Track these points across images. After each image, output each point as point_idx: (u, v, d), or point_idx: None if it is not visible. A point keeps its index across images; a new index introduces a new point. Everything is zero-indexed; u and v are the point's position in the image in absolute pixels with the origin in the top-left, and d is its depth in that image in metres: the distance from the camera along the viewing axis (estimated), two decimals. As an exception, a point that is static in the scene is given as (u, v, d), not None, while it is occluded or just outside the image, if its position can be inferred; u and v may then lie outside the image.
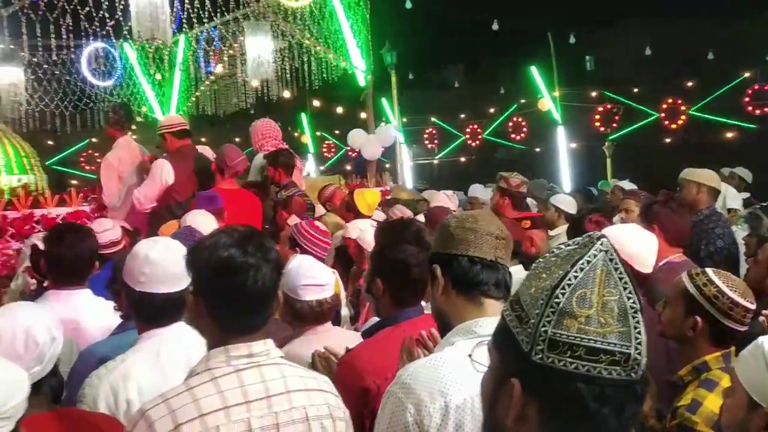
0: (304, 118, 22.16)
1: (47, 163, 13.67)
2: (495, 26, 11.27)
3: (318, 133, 24.02)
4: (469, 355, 1.41)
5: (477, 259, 1.64)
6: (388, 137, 8.04)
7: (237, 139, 16.09)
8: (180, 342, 2.13)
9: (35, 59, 9.81)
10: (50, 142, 19.43)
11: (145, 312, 2.16)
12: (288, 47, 9.16)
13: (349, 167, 23.19)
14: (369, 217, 4.89)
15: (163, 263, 2.10)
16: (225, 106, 11.68)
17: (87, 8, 6.27)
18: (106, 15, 6.34)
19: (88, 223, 4.64)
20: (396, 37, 8.52)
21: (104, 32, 6.58)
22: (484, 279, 1.65)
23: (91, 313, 2.96)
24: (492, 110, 20.66)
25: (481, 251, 1.64)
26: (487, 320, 1.59)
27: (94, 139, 20.37)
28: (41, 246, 3.20)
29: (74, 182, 17.12)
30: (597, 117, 16.24)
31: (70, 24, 6.30)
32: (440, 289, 1.69)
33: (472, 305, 1.65)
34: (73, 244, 2.94)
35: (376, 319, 2.43)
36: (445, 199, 6.28)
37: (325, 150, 24.59)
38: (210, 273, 1.58)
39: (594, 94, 17.32)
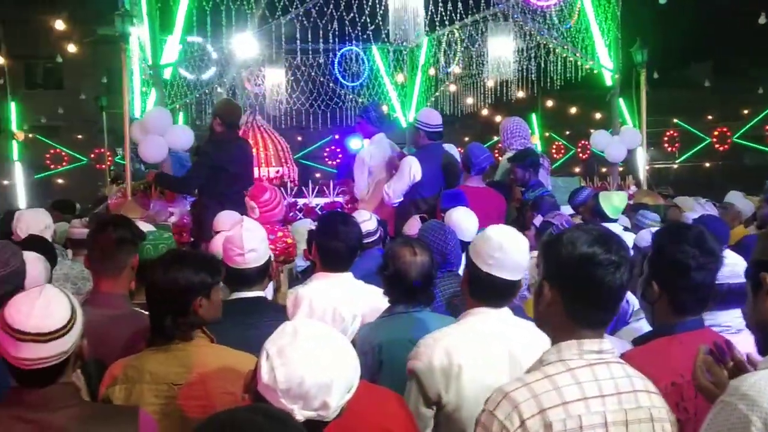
0: (534, 118, 21.91)
1: (295, 157, 15.00)
2: (762, 19, 10.20)
3: (546, 134, 23.59)
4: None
5: None
6: (633, 139, 7.64)
7: (465, 138, 16.45)
8: (503, 324, 2.31)
9: (295, 62, 10.76)
10: (299, 138, 21.24)
11: (483, 291, 2.32)
12: (529, 47, 9.10)
13: (578, 169, 22.51)
14: (615, 220, 4.71)
15: (512, 251, 2.27)
16: (461, 106, 11.89)
17: (351, 14, 6.79)
18: (368, 20, 6.81)
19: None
20: (646, 34, 8.04)
21: (365, 36, 7.06)
22: None
23: (355, 296, 3.21)
24: (746, 111, 18.77)
25: None
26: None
27: (336, 136, 21.95)
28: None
29: (318, 175, 18.62)
30: None
31: (336, 29, 6.86)
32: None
33: None
34: (342, 234, 3.20)
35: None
36: (697, 207, 5.85)
37: (553, 151, 24.12)
38: (574, 266, 1.64)
39: None
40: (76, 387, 1.90)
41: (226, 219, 4.43)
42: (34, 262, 2.75)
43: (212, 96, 10.73)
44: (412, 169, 5.40)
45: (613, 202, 4.87)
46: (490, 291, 2.31)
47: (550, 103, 19.82)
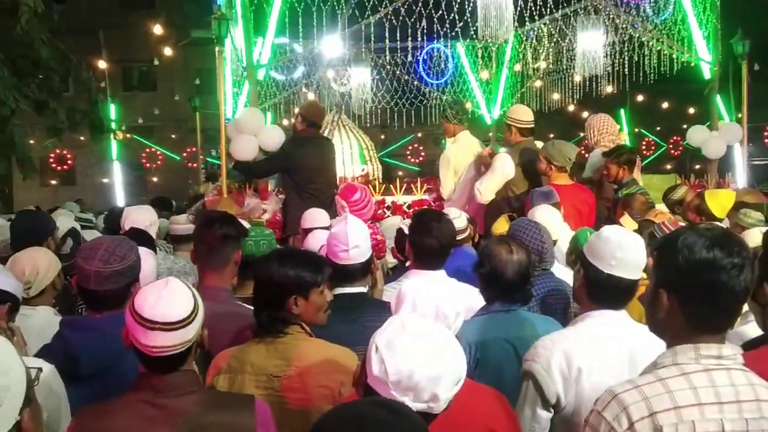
0: (623, 114, 21.25)
1: (378, 155, 15.13)
2: None
3: (636, 130, 22.88)
4: None
5: None
6: (734, 135, 7.28)
7: (551, 135, 16.12)
8: (622, 326, 2.26)
9: (380, 60, 10.83)
10: (381, 137, 21.41)
11: (604, 293, 2.27)
12: (621, 41, 8.83)
13: (669, 166, 21.68)
14: (721, 220, 4.51)
15: (631, 250, 2.23)
16: (547, 102, 11.67)
17: (440, 11, 6.78)
18: (456, 17, 6.79)
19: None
20: (747, 24, 7.64)
21: (452, 33, 7.04)
22: None
23: (450, 293, 3.21)
24: None
25: None
26: None
27: (419, 134, 22.03)
28: (406, 231, 3.54)
29: (400, 173, 18.72)
30: None
31: (424, 27, 6.86)
32: None
33: None
34: (436, 231, 3.20)
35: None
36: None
37: (643, 147, 23.34)
38: (694, 273, 1.58)
39: None
40: (198, 374, 1.98)
41: (313, 217, 4.51)
42: (145, 256, 2.88)
43: (299, 96, 10.96)
44: (506, 167, 5.34)
45: (720, 200, 4.66)
46: (612, 292, 2.26)
47: (640, 98, 19.18)
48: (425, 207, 5.90)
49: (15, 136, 7.55)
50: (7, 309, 2.58)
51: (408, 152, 22.95)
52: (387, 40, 7.26)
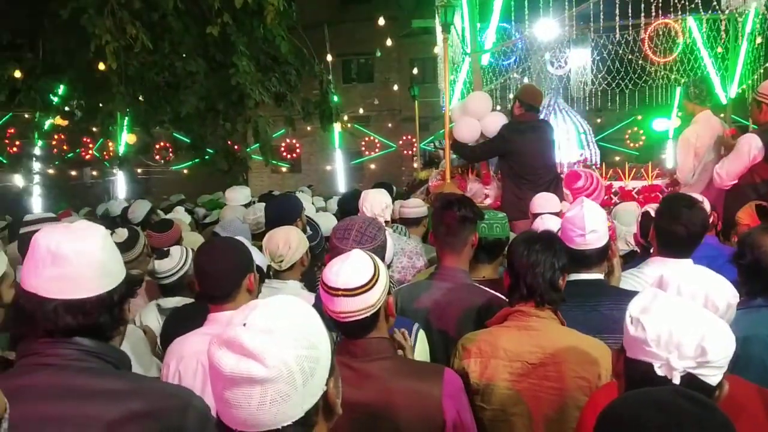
0: None
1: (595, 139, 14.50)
2: None
3: None
4: None
5: None
6: None
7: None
8: None
9: (601, 41, 10.35)
10: (597, 120, 20.46)
11: None
12: None
13: None
14: None
15: None
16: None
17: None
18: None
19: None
20: None
21: (692, 6, 6.50)
22: None
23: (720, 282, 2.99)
24: None
25: None
26: None
27: (639, 117, 20.73)
28: (652, 214, 3.34)
29: (617, 158, 17.77)
30: None
31: (653, 3, 6.42)
32: None
33: None
34: (685, 218, 2.99)
35: None
36: None
37: None
38: None
39: None
40: (391, 342, 2.09)
41: (542, 202, 4.43)
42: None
43: (514, 81, 10.84)
44: (752, 149, 4.85)
45: None
46: None
47: None
48: (677, 192, 5.53)
49: (259, 126, 8.35)
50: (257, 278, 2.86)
51: (627, 136, 21.72)
52: (618, 17, 6.89)
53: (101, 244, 1.57)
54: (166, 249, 3.40)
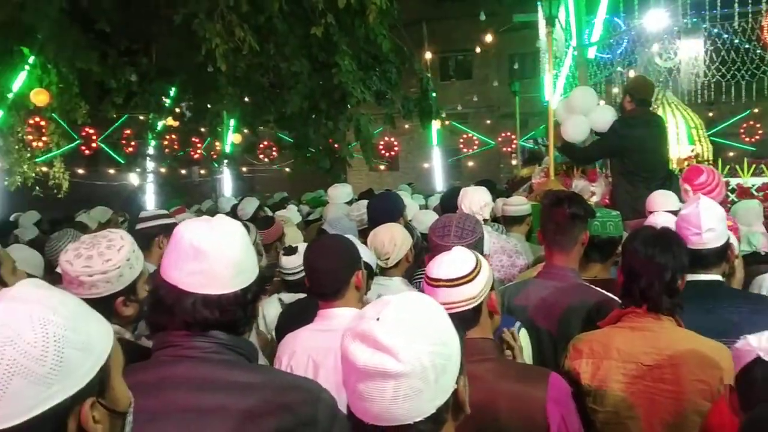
0: None
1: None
2: None
3: None
4: None
5: None
6: None
7: None
8: None
9: (715, 30, 9.81)
10: (709, 114, 19.42)
11: None
12: None
13: None
14: None
15: None
16: None
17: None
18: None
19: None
20: None
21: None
22: None
23: None
24: None
25: None
26: None
27: (755, 110, 19.50)
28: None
29: (731, 154, 16.76)
30: None
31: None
32: None
33: None
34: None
35: None
36: None
37: None
38: None
39: None
40: (496, 343, 2.07)
41: (660, 199, 4.25)
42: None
43: (622, 74, 10.47)
44: None
45: None
46: None
47: None
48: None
49: (361, 124, 8.47)
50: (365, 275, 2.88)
51: (742, 130, 20.46)
52: (736, 4, 6.49)
53: (240, 243, 1.63)
54: (294, 246, 3.49)
